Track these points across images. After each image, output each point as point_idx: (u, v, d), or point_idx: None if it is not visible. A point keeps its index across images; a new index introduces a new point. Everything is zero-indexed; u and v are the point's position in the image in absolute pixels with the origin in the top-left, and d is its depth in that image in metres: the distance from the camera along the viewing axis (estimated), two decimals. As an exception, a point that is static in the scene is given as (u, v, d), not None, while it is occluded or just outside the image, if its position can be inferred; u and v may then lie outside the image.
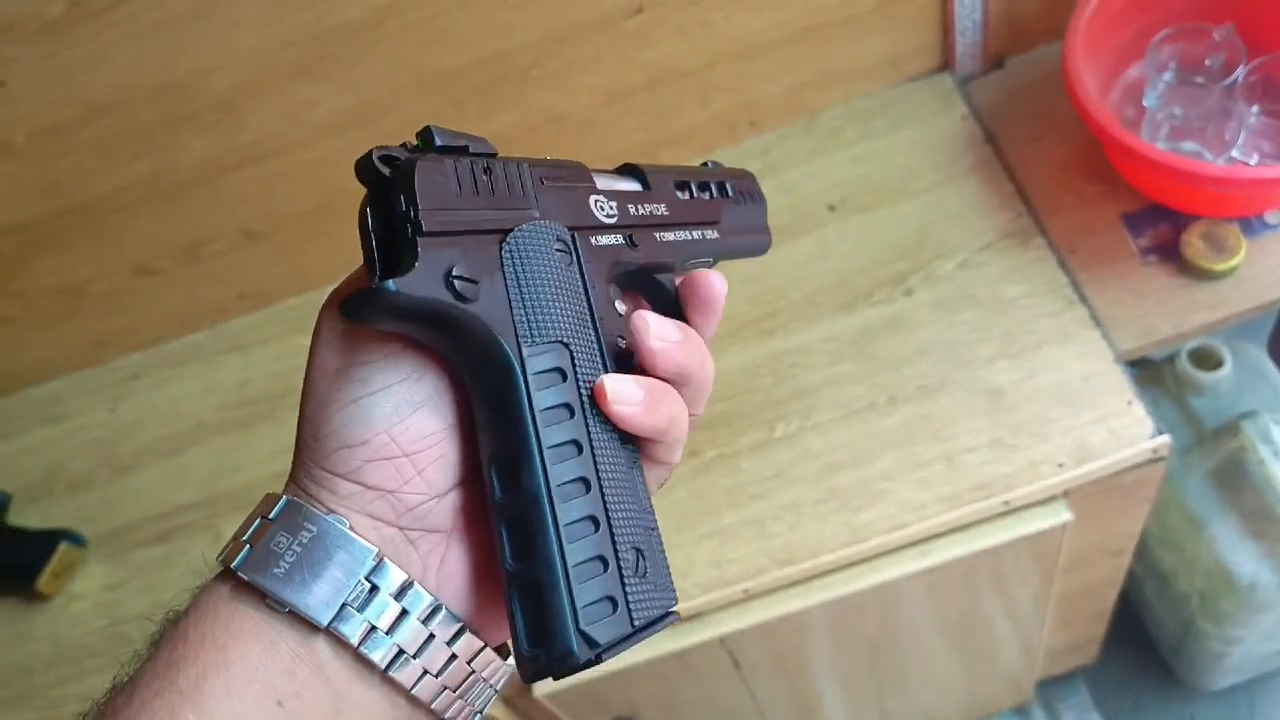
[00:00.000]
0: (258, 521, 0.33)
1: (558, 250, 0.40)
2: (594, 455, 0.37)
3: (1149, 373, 1.27)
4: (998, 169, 1.15)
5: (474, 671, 0.37)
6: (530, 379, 0.36)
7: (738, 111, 1.21)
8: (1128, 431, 0.98)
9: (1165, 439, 0.96)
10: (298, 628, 0.32)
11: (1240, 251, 1.04)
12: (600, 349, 0.40)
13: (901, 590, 1.02)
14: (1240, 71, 1.08)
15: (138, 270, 1.17)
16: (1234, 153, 1.09)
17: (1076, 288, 1.06)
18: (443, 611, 0.35)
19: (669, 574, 0.40)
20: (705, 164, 0.56)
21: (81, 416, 1.23)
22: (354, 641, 0.32)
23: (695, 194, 0.52)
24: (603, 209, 0.45)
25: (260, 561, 0.32)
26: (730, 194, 0.54)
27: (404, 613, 0.33)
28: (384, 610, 0.33)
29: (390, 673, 0.34)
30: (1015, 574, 1.09)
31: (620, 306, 0.43)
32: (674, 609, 0.40)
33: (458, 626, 0.36)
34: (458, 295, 0.35)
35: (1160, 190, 1.08)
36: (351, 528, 0.33)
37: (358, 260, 0.37)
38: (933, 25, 1.19)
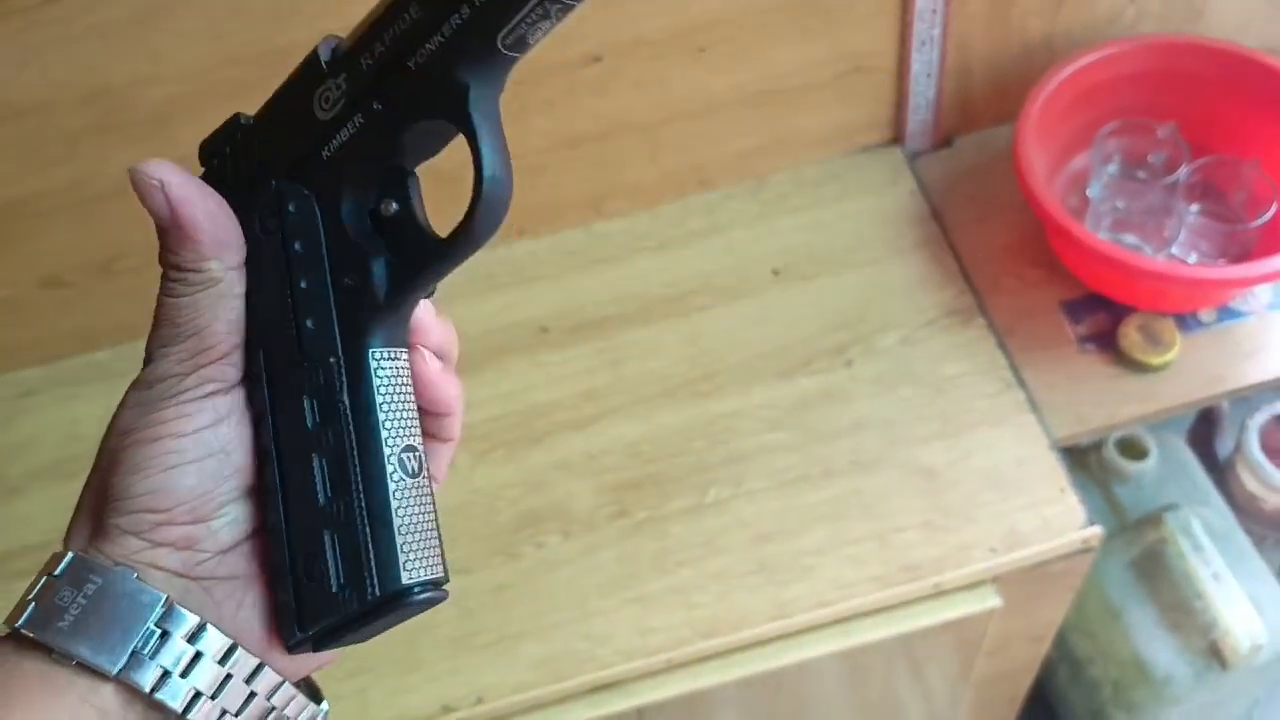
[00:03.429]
0: (43, 579, 0.33)
1: (263, 235, 0.37)
2: (278, 459, 0.36)
3: (1074, 458, 1.28)
4: (943, 246, 1.15)
5: (275, 708, 0.36)
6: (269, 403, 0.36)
7: (687, 170, 1.19)
8: (1059, 520, 0.97)
9: (1096, 530, 0.96)
10: (86, 677, 0.32)
11: (1175, 347, 1.05)
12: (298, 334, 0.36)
13: (823, 669, 1.00)
14: (1182, 171, 1.10)
15: (46, 281, 1.11)
16: (1173, 249, 1.10)
17: (1014, 370, 1.06)
18: (238, 651, 0.35)
19: (394, 559, 0.35)
20: None
21: (-31, 431, 1.16)
22: (146, 688, 0.32)
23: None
24: (328, 100, 0.36)
25: (44, 617, 0.32)
26: None
27: (198, 655, 0.33)
28: (177, 654, 0.33)
29: (188, 716, 0.34)
30: (938, 657, 1.07)
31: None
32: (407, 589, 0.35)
33: (256, 663, 0.35)
34: None
35: (1100, 280, 1.09)
36: (139, 577, 0.33)
37: None
38: (887, 100, 1.19)
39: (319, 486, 0.35)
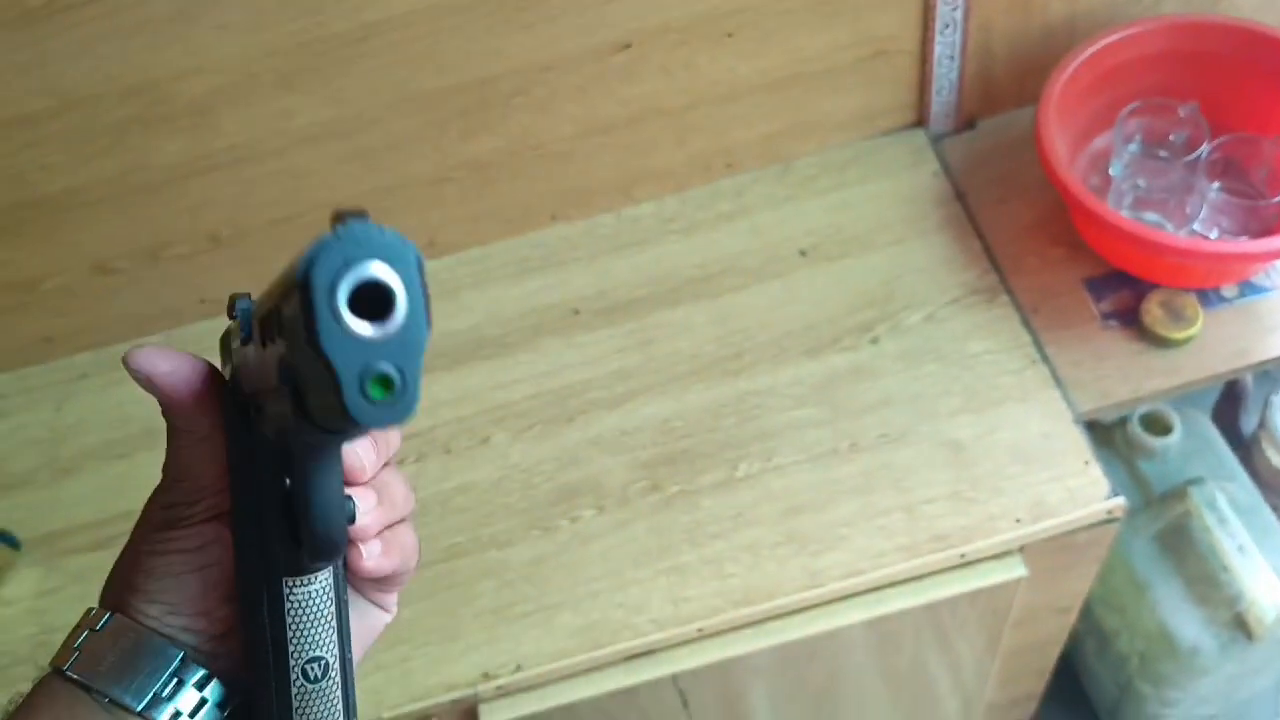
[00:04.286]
0: (86, 632, 0.42)
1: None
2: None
3: (1100, 435, 1.30)
4: (966, 226, 1.17)
5: None
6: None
7: (714, 153, 1.22)
8: (1084, 491, 0.99)
9: (1120, 500, 0.98)
10: (115, 713, 0.40)
11: (1197, 322, 1.06)
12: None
13: (854, 637, 1.02)
14: (1204, 149, 1.12)
15: (96, 269, 1.14)
16: (1195, 226, 1.12)
17: (1039, 347, 1.08)
18: (235, 699, 0.43)
19: None
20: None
21: (23, 415, 1.20)
22: None
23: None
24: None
25: (88, 663, 0.41)
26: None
27: (204, 700, 0.42)
28: (188, 699, 0.41)
29: None
30: (966, 627, 1.09)
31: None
32: None
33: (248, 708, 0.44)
34: None
35: (1123, 257, 1.11)
36: (162, 636, 0.42)
37: None
38: (910, 83, 1.21)
39: (263, 662, 0.41)
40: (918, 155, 1.23)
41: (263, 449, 0.39)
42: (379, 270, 0.27)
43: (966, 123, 1.26)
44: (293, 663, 0.40)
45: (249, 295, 0.39)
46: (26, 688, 0.42)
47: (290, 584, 0.40)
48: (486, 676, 0.96)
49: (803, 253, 1.17)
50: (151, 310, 1.20)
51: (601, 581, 0.99)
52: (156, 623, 0.42)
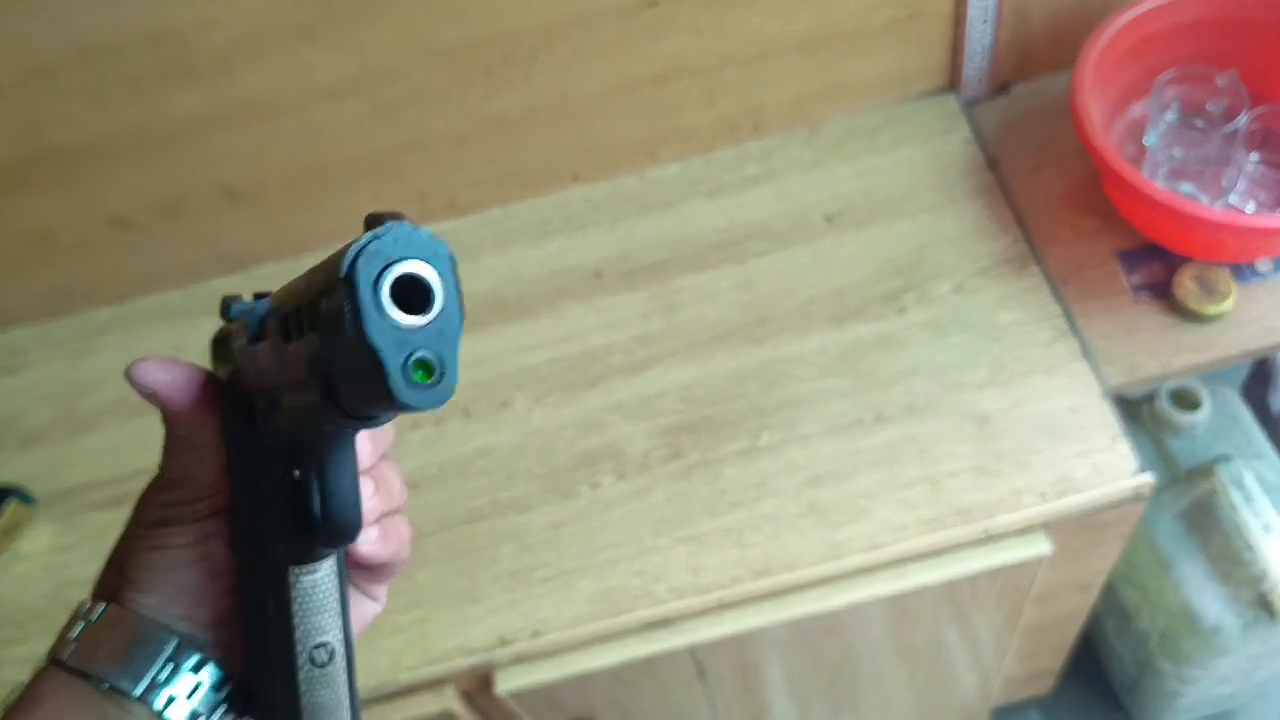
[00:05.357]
0: (81, 624, 0.42)
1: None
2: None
3: (1127, 410, 1.28)
4: (998, 195, 1.15)
5: None
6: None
7: (742, 114, 1.19)
8: (1111, 467, 0.97)
9: (1147, 477, 0.96)
10: (114, 699, 0.41)
11: (1230, 297, 1.04)
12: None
13: (873, 611, 1.01)
14: (1242, 119, 1.09)
15: (114, 222, 1.13)
16: (1231, 199, 1.09)
17: (1068, 319, 1.06)
18: (232, 682, 0.44)
19: None
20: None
21: (40, 369, 1.19)
22: (158, 707, 0.42)
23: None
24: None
25: (86, 653, 0.42)
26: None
27: (199, 684, 0.42)
28: (184, 683, 0.42)
29: None
30: (987, 602, 1.08)
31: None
32: None
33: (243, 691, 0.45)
34: None
35: (1156, 229, 1.09)
36: (157, 622, 0.42)
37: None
38: (943, 46, 1.18)
39: (254, 645, 0.43)
40: (949, 121, 1.20)
41: (268, 444, 0.40)
42: (417, 267, 0.30)
43: (1000, 88, 1.23)
44: (299, 649, 0.42)
45: (240, 297, 0.43)
46: (26, 677, 0.42)
47: (296, 572, 0.41)
48: (503, 641, 0.95)
49: (829, 219, 1.15)
50: (169, 265, 1.18)
51: (621, 548, 0.99)
52: (153, 612, 0.42)
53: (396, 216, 0.31)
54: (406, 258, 0.30)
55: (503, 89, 1.10)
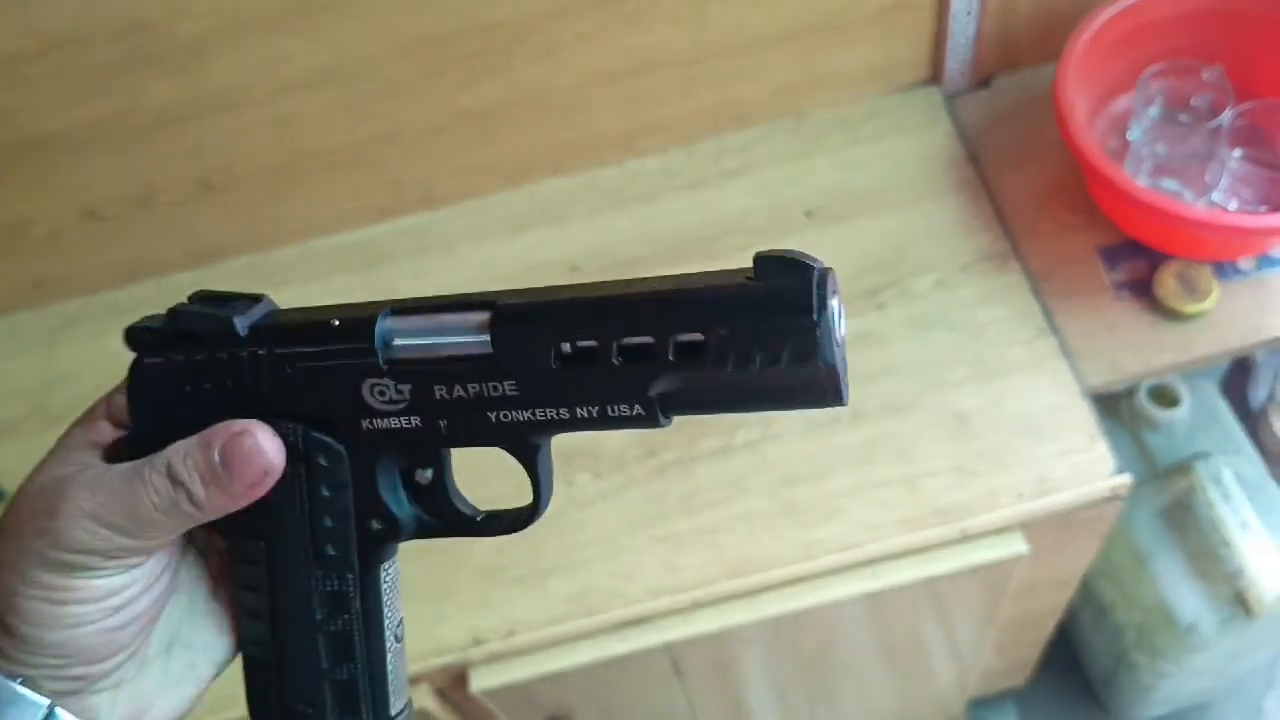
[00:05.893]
0: None
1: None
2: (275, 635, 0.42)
3: (1106, 405, 1.27)
4: (979, 190, 1.14)
5: None
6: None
7: (722, 106, 1.18)
8: (1089, 467, 0.97)
9: (1125, 478, 0.96)
10: None
11: (1212, 295, 1.04)
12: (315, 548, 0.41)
13: (849, 609, 1.01)
14: (1227, 115, 1.08)
15: (86, 214, 1.12)
16: (1214, 195, 1.09)
17: (1048, 317, 1.05)
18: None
19: None
20: (759, 258, 0.36)
21: (12, 361, 1.18)
22: None
23: (609, 361, 0.36)
24: (383, 395, 0.39)
25: None
26: (686, 356, 0.36)
27: None
28: None
29: None
30: (963, 600, 1.08)
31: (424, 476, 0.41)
32: None
33: None
34: None
35: (1138, 227, 1.08)
36: (23, 681, 0.36)
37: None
38: (926, 38, 1.17)
39: (322, 655, 0.42)
40: (931, 114, 1.19)
41: (372, 455, 0.40)
42: (837, 299, 0.35)
43: (983, 80, 1.22)
44: (387, 631, 0.42)
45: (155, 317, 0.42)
46: None
47: (386, 568, 0.42)
48: (477, 641, 0.95)
49: (809, 213, 1.14)
50: (142, 257, 1.17)
51: (596, 548, 0.98)
52: (32, 666, 0.37)
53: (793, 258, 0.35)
54: (834, 292, 0.35)
55: (479, 80, 1.08)
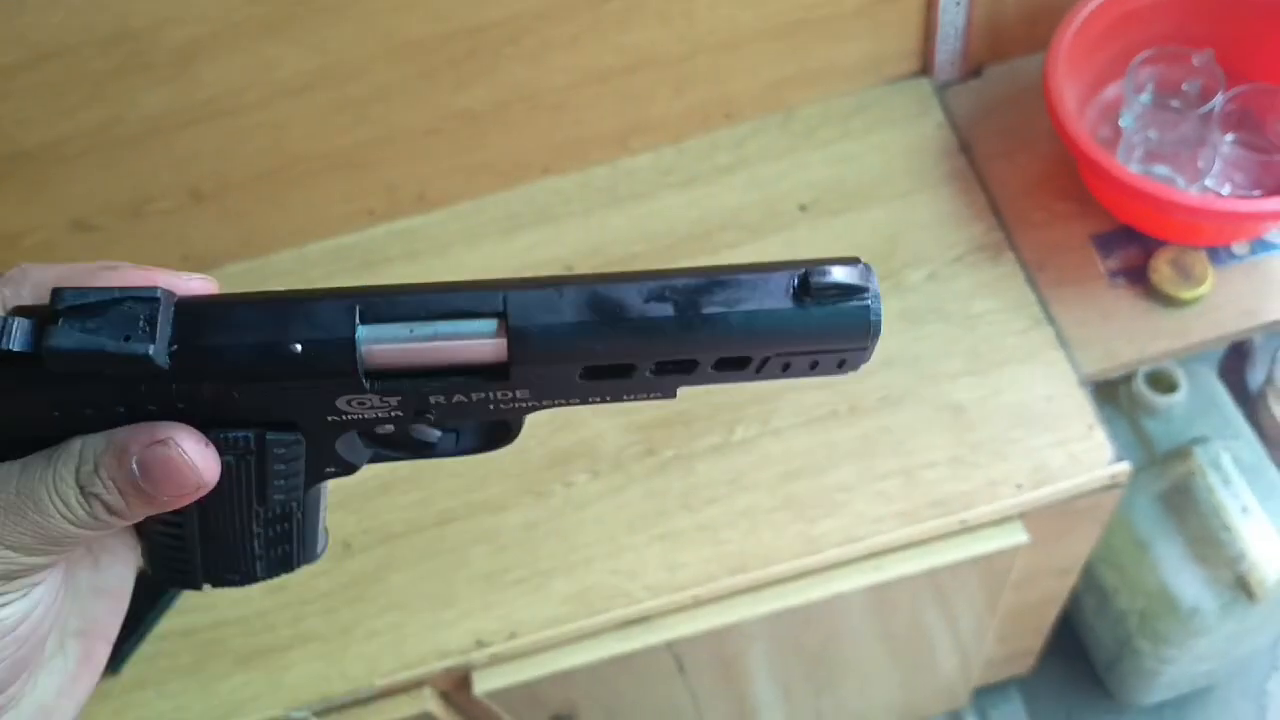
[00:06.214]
0: None
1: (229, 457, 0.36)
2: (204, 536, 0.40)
3: (1103, 391, 1.28)
4: (971, 180, 1.14)
5: None
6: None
7: (714, 103, 1.18)
8: (1087, 456, 0.97)
9: (1124, 466, 0.96)
10: None
11: (1207, 281, 1.04)
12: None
13: (852, 602, 1.01)
14: (1218, 100, 1.08)
15: (76, 225, 1.11)
16: (1207, 181, 1.09)
17: (1044, 306, 1.05)
18: None
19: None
20: (811, 278, 0.35)
21: (8, 373, 1.17)
22: None
23: (643, 375, 0.35)
24: (364, 404, 0.35)
25: None
26: (726, 368, 0.36)
27: None
28: None
29: None
30: (965, 591, 1.08)
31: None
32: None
33: None
34: None
35: (1131, 214, 1.08)
36: None
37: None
38: (915, 29, 1.17)
39: (256, 550, 0.40)
40: (922, 105, 1.19)
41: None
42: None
43: (973, 71, 1.22)
44: (322, 509, 0.43)
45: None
46: None
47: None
48: (480, 644, 0.95)
49: (803, 207, 1.14)
50: (135, 266, 1.17)
51: (596, 547, 0.98)
52: None
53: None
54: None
55: (470, 82, 1.08)
